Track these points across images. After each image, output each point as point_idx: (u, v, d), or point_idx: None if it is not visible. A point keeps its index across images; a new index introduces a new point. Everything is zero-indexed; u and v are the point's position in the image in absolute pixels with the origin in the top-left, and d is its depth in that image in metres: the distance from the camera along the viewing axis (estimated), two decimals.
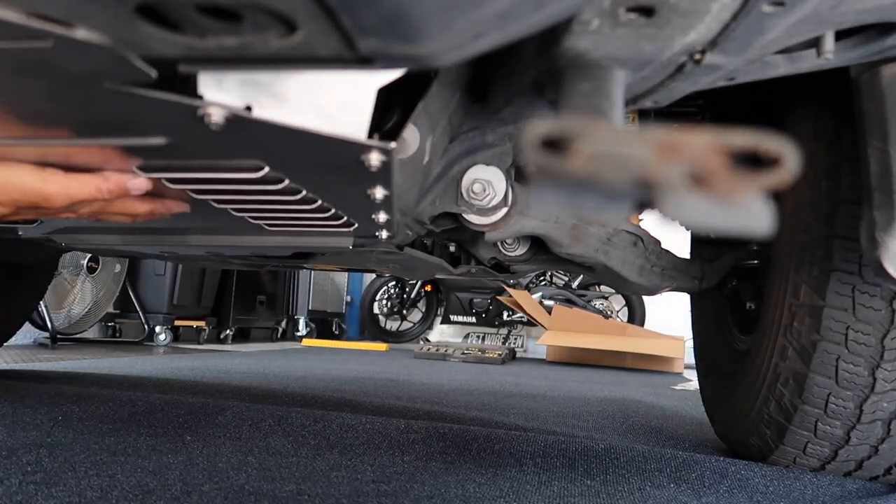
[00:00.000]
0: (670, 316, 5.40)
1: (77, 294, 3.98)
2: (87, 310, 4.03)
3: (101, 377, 2.22)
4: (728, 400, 1.48)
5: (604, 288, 6.10)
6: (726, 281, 1.60)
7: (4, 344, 2.21)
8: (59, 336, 3.84)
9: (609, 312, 5.99)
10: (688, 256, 1.59)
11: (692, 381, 3.86)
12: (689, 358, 3.44)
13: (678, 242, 1.55)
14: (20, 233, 1.19)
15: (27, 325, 3.46)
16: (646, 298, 6.06)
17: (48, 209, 0.68)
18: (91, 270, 4.02)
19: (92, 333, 4.36)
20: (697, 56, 0.71)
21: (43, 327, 3.77)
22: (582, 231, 1.27)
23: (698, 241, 1.73)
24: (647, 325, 5.86)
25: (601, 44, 0.65)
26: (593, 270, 1.41)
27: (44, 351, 3.58)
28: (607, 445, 1.34)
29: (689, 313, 1.90)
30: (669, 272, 1.42)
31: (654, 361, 4.73)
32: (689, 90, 0.82)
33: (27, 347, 3.73)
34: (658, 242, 1.39)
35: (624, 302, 6.22)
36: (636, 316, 6.09)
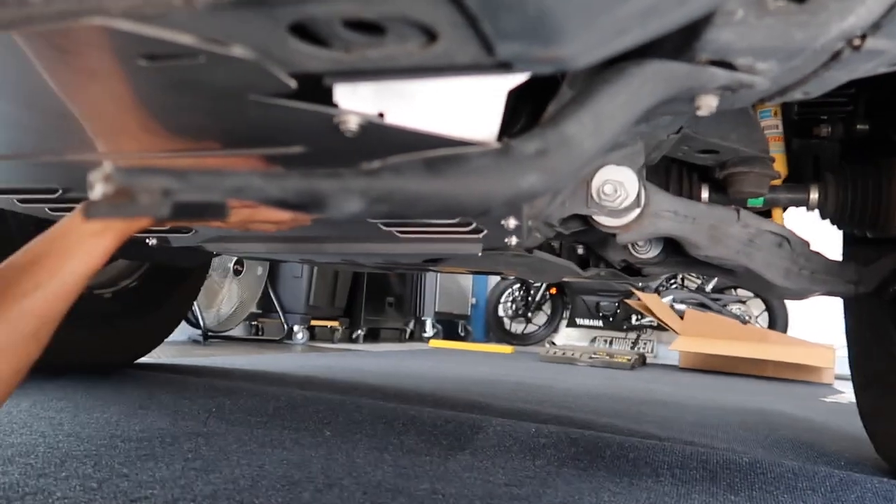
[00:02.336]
0: (817, 322, 5.00)
1: (225, 294, 4.29)
2: (233, 309, 4.33)
3: (247, 373, 2.38)
4: (891, 415, 1.35)
5: (741, 291, 5.76)
6: (887, 285, 1.45)
7: (165, 340, 2.42)
8: (209, 333, 4.16)
9: (747, 317, 5.64)
10: (840, 258, 1.47)
11: (845, 394, 3.55)
12: (840, 368, 3.16)
13: (829, 244, 1.43)
14: (171, 243, 1.30)
15: (183, 323, 3.77)
16: (788, 303, 5.66)
17: None
18: (237, 273, 4.31)
19: (238, 331, 4.68)
20: (857, 42, 0.65)
21: (196, 325, 4.10)
22: (721, 232, 1.20)
23: (853, 242, 1.59)
24: (789, 332, 5.46)
25: (746, 35, 0.62)
26: (733, 274, 1.33)
27: (197, 347, 3.89)
28: (751, 459, 1.27)
29: (843, 320, 1.75)
30: (820, 275, 1.32)
31: (799, 371, 4.40)
32: (845, 79, 0.76)
33: (183, 343, 4.06)
34: (807, 244, 1.30)
35: (764, 307, 5.83)
36: (777, 321, 5.69)
